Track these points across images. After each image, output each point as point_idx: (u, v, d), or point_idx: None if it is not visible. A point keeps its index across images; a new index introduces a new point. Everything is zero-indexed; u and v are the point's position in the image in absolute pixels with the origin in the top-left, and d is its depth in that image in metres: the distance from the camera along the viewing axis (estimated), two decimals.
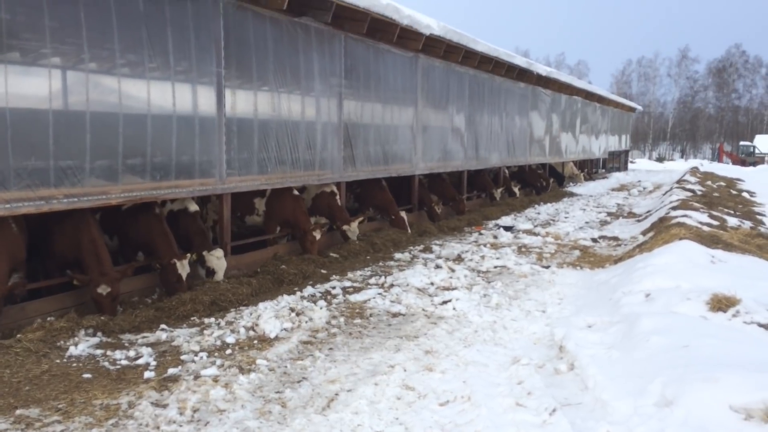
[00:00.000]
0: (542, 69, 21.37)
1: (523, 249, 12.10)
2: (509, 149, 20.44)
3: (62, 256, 7.28)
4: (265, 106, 9.80)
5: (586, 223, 16.22)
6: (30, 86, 6.60)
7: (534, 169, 23.93)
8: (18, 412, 4.63)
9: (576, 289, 8.98)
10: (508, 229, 14.39)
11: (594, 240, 13.34)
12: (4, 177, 6.24)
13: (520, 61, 18.87)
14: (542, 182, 23.39)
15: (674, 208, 14.42)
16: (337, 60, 11.36)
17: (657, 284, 7.55)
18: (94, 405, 4.80)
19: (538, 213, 18.08)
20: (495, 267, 10.32)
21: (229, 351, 6.10)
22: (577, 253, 11.88)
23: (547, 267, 10.35)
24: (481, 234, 13.88)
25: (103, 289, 6.88)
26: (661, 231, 11.68)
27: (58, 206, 6.76)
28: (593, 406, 4.75)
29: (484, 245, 12.29)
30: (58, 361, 5.69)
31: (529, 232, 14.19)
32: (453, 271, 9.67)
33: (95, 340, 6.25)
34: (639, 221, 16.44)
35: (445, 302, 7.93)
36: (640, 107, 50.35)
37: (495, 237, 13.40)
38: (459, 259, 10.93)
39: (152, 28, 7.68)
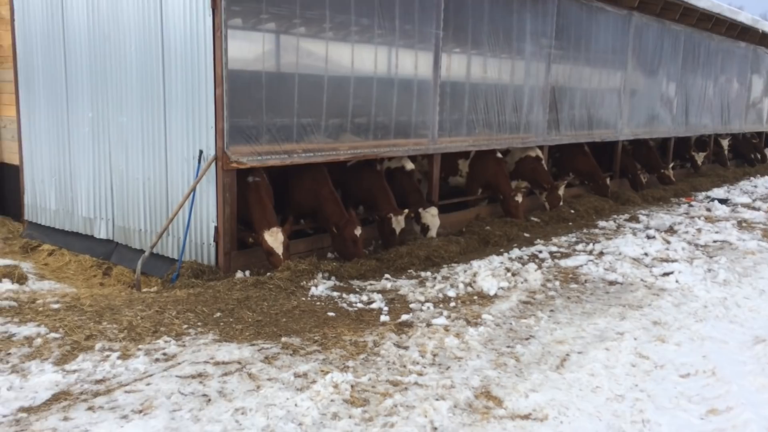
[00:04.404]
0: None
1: (743, 224, 11.10)
2: (722, 115, 18.64)
3: (299, 206, 8.01)
4: (476, 69, 9.88)
5: None
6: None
7: (748, 138, 21.61)
8: (283, 339, 5.26)
9: None
10: (722, 202, 13.25)
11: None
12: (259, 132, 6.99)
13: (744, 17, 16.98)
14: (756, 153, 21.08)
15: None
16: (549, 20, 11.06)
17: None
18: (344, 340, 5.30)
19: (755, 186, 16.38)
20: (714, 241, 9.61)
21: (452, 304, 6.38)
22: None
23: None
24: (691, 206, 12.94)
25: (359, 231, 7.58)
26: None
27: (297, 160, 7.44)
28: None
29: (698, 218, 11.46)
30: (303, 298, 6.33)
31: (747, 206, 12.96)
32: (668, 242, 9.18)
33: (330, 283, 6.86)
34: None
35: (666, 274, 7.58)
36: None
37: (708, 210, 12.43)
38: (671, 230, 10.32)
39: None
